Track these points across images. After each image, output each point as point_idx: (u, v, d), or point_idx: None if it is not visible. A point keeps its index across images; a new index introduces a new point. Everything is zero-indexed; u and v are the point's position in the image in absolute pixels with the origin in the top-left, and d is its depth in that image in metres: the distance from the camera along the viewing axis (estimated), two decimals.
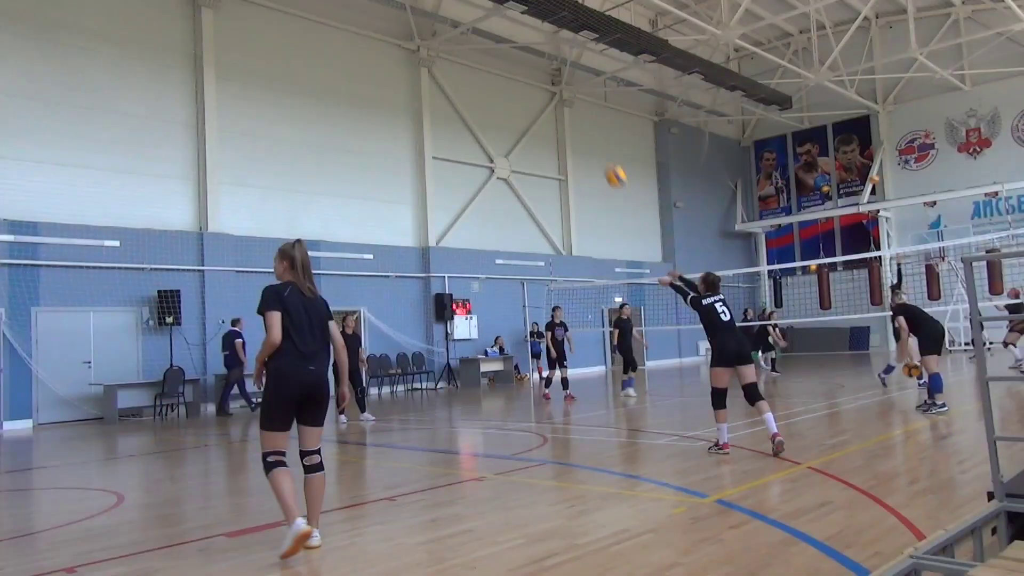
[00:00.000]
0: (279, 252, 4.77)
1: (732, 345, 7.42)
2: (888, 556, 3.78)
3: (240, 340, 14.58)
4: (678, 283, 8.04)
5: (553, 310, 15.05)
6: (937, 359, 9.80)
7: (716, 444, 7.35)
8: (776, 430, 7.21)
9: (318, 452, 4.67)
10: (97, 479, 8.29)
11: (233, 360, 14.56)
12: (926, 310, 10.70)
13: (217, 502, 6.52)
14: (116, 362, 14.60)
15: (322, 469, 4.66)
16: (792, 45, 28.15)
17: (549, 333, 14.74)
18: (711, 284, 7.79)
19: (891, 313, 10.37)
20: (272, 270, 4.90)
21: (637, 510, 5.26)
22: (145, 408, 14.56)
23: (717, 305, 7.50)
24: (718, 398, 7.40)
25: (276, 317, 4.50)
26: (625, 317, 14.54)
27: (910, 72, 26.30)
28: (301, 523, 4.32)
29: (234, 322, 14.87)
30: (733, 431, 8.75)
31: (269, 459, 4.49)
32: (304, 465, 4.63)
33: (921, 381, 11.14)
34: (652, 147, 28.38)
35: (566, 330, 14.74)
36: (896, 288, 11.54)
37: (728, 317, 7.51)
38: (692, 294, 7.75)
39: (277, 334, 4.48)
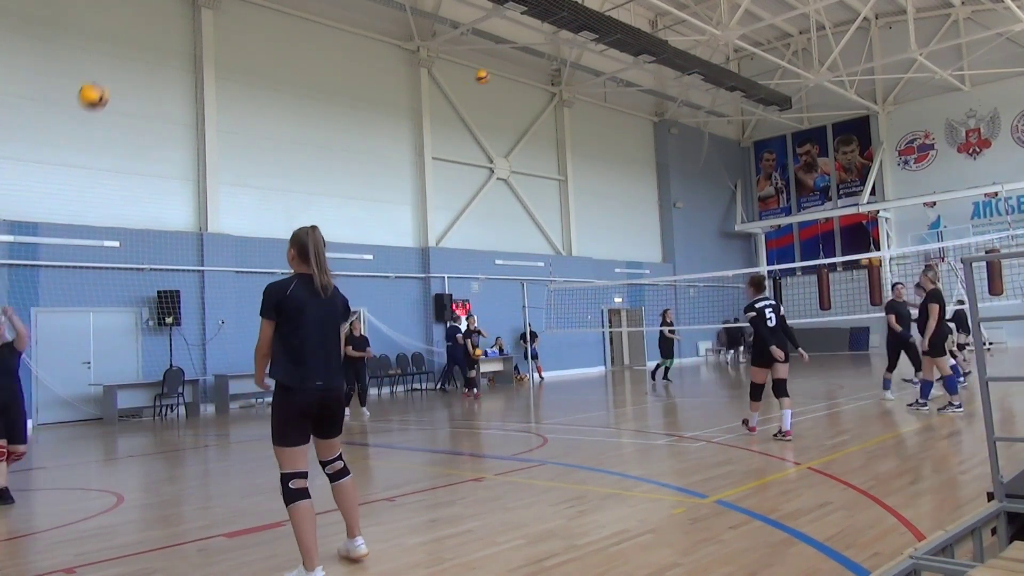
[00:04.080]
0: (291, 237, 4.15)
1: (770, 345, 7.99)
2: (888, 556, 3.78)
3: (460, 334, 16.70)
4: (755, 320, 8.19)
5: (467, 318, 16.89)
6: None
7: (745, 422, 8.50)
8: (789, 427, 7.91)
9: (340, 458, 4.29)
10: (97, 479, 8.29)
11: (456, 351, 16.54)
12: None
13: (216, 502, 6.52)
14: (116, 362, 14.60)
15: (348, 473, 4.28)
16: (792, 46, 28.16)
17: (468, 340, 16.43)
18: (760, 286, 8.29)
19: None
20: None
21: (637, 510, 5.26)
22: (145, 408, 14.56)
23: (767, 311, 8.03)
24: (756, 392, 8.31)
25: (268, 327, 4.00)
26: (900, 300, 11.39)
27: (910, 72, 26.32)
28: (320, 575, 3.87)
29: (455, 318, 17.66)
30: (735, 430, 8.77)
31: (291, 485, 3.94)
32: (328, 474, 4.28)
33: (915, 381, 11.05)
34: (652, 147, 28.39)
35: (481, 336, 16.85)
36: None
37: (774, 323, 8.05)
38: (748, 307, 8.18)
39: (264, 346, 4.00)
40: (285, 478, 3.97)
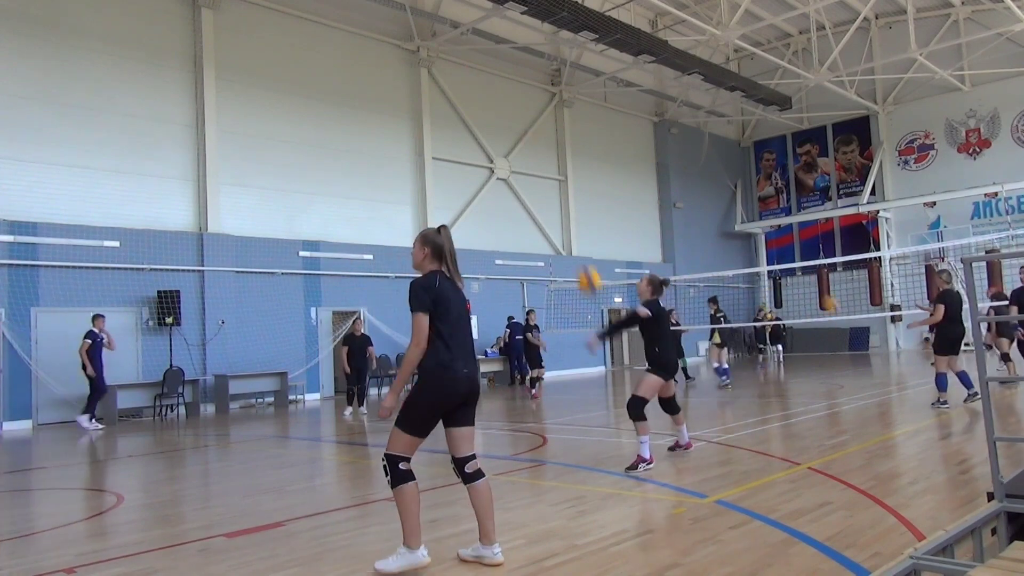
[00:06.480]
0: (421, 238, 4.23)
1: (676, 355, 7.39)
2: (888, 556, 3.78)
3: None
4: (622, 321, 7.46)
5: (528, 313, 16.27)
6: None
7: (640, 459, 6.56)
8: (688, 440, 7.37)
9: (475, 457, 4.17)
10: (97, 479, 8.29)
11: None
12: (924, 311, 10.69)
13: (216, 502, 6.52)
14: (116, 362, 14.58)
15: (484, 475, 4.15)
16: (792, 46, 28.17)
17: (529, 334, 15.82)
18: (660, 288, 7.18)
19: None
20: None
21: (637, 510, 5.26)
22: (145, 408, 14.56)
23: (671, 314, 7.09)
24: (641, 408, 6.71)
25: (425, 319, 4.02)
26: None
27: (910, 72, 26.33)
28: (424, 555, 4.05)
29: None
30: (735, 431, 8.77)
31: (401, 466, 4.03)
32: (465, 474, 4.13)
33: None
34: (652, 147, 28.39)
35: (538, 331, 16.05)
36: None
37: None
38: (641, 307, 7.05)
39: (424, 339, 4.01)
40: (395, 459, 4.06)
